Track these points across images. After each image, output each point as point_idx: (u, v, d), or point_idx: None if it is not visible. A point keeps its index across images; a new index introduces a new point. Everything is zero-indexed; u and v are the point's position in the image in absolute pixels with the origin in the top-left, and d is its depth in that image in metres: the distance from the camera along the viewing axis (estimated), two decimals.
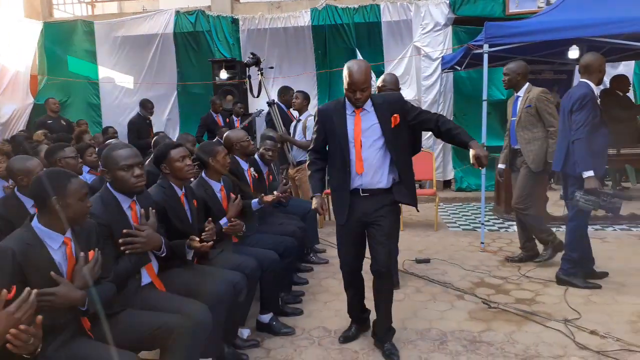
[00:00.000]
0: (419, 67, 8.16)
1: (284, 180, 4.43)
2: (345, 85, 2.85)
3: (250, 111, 8.01)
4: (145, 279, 2.62)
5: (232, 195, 3.38)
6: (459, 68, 7.14)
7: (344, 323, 3.36)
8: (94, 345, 2.04)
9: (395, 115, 2.89)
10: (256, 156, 4.49)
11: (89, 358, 1.99)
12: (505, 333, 3.26)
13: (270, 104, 6.01)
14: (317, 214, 3.47)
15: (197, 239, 2.79)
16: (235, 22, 8.61)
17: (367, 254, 3.04)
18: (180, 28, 8.71)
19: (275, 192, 3.97)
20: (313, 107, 8.03)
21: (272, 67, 7.74)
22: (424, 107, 8.00)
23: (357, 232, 3.01)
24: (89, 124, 8.42)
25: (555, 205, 6.36)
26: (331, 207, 3.42)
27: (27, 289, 1.70)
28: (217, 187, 3.43)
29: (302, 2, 8.68)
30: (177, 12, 8.71)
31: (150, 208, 2.64)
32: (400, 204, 3.19)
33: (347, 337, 3.22)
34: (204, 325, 2.45)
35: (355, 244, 3.04)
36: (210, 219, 3.01)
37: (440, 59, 7.82)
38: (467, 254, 4.96)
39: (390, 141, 2.90)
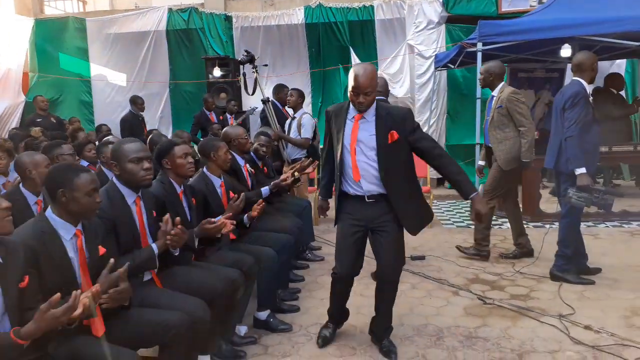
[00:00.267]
0: (413, 65, 8.19)
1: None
2: (349, 88, 2.76)
3: (243, 109, 8.00)
4: (146, 275, 2.62)
5: (233, 195, 3.36)
6: (453, 66, 7.18)
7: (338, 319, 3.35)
8: (95, 342, 2.04)
9: (392, 131, 2.75)
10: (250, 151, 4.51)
11: (90, 355, 1.99)
12: (501, 328, 3.29)
13: (265, 101, 6.01)
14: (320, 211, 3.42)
15: (213, 220, 2.85)
16: (228, 19, 8.60)
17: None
18: (173, 25, 8.69)
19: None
20: (307, 104, 8.06)
21: (266, 65, 7.74)
22: (417, 105, 8.10)
23: (359, 237, 2.92)
24: (81, 121, 8.37)
25: (548, 202, 6.41)
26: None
27: (74, 292, 1.75)
28: (217, 182, 3.45)
29: (295, 0, 8.68)
30: (170, 10, 8.69)
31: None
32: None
33: (325, 339, 3.14)
34: (203, 321, 2.46)
35: (356, 250, 2.94)
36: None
37: (433, 57, 7.85)
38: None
39: (383, 156, 2.77)
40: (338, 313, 3.22)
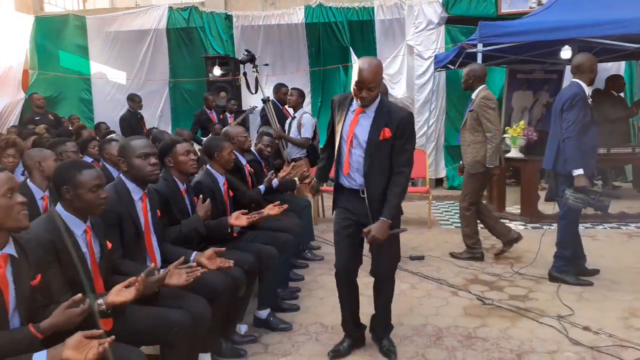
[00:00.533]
0: (412, 65, 8.20)
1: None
2: (353, 82, 2.71)
3: (243, 108, 8.01)
4: None
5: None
6: (452, 67, 7.20)
7: (340, 319, 3.37)
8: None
9: (387, 128, 2.69)
10: (254, 151, 4.53)
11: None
12: (500, 329, 3.30)
13: (265, 101, 6.02)
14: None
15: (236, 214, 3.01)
16: (228, 18, 8.60)
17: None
18: (173, 24, 8.69)
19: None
20: (307, 104, 8.07)
21: (267, 64, 7.74)
22: (416, 106, 8.11)
23: (353, 231, 2.87)
24: (81, 119, 8.38)
25: (546, 204, 6.44)
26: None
27: (88, 300, 1.80)
28: (221, 180, 3.49)
29: (296, 0, 8.69)
30: (170, 8, 8.69)
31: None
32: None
33: (337, 352, 3.01)
34: (204, 319, 2.47)
35: (350, 244, 2.89)
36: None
37: (433, 57, 7.87)
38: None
39: (369, 152, 2.73)
40: (348, 323, 3.07)
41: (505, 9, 8.00)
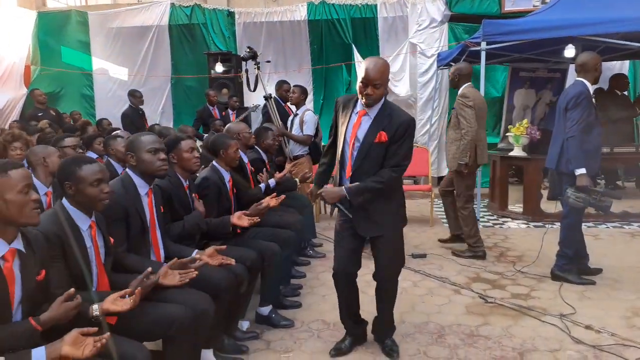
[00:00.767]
0: (415, 63, 8.18)
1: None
2: (358, 79, 2.68)
3: (245, 105, 7.99)
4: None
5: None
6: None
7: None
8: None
9: (384, 132, 2.65)
10: (258, 148, 4.51)
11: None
12: (502, 327, 3.30)
13: (267, 98, 6.01)
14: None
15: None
16: (231, 15, 8.59)
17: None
18: (175, 20, 8.67)
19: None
20: (309, 101, 8.06)
21: (269, 61, 7.73)
22: (419, 104, 8.10)
23: (353, 233, 2.83)
24: (84, 115, 8.38)
25: (548, 202, 6.42)
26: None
27: (78, 297, 1.83)
28: (226, 176, 3.49)
29: None
30: (173, 4, 8.67)
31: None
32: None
33: (338, 350, 2.98)
34: (207, 315, 2.46)
35: (350, 246, 2.85)
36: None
37: (436, 55, 7.85)
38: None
39: (362, 153, 2.69)
40: (350, 319, 3.04)
41: (508, 7, 7.99)
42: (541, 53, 6.70)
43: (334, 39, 8.44)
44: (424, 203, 6.54)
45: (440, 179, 8.42)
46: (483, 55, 5.23)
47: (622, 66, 8.09)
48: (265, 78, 8.07)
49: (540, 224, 5.92)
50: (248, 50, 6.27)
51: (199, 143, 6.14)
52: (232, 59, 7.98)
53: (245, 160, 4.07)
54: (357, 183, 2.67)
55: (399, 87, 8.14)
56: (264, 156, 4.50)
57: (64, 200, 2.18)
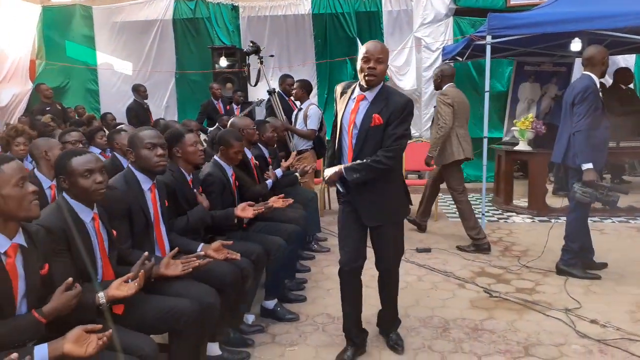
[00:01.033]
0: (420, 58, 8.15)
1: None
2: (359, 59, 2.61)
3: (250, 99, 7.99)
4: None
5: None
6: (460, 59, 7.14)
7: None
8: (114, 328, 2.06)
9: (379, 114, 2.60)
10: (259, 145, 4.49)
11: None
12: (507, 321, 3.30)
13: (270, 92, 6.00)
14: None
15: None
16: (235, 9, 8.57)
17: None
18: (179, 14, 8.67)
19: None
20: (313, 96, 8.03)
21: (272, 55, 7.71)
22: (423, 98, 8.07)
23: (358, 225, 2.79)
24: (88, 109, 8.39)
25: (554, 197, 6.42)
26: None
27: (77, 285, 1.83)
28: (229, 171, 3.49)
29: None
30: None
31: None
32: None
33: None
34: (213, 309, 2.48)
35: (356, 237, 2.80)
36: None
37: (440, 49, 7.82)
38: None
39: (360, 139, 2.64)
40: (351, 329, 2.93)
41: (514, 1, 7.94)
42: (547, 47, 6.66)
43: (338, 32, 8.41)
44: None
45: None
46: (488, 49, 5.19)
47: (628, 60, 8.03)
48: (270, 72, 8.07)
49: (545, 218, 5.91)
50: (251, 44, 6.26)
51: (203, 137, 6.17)
52: (236, 53, 7.97)
53: (250, 155, 4.07)
54: (356, 165, 2.62)
55: (404, 81, 8.12)
56: (266, 152, 4.48)
57: (65, 194, 2.18)
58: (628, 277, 4.01)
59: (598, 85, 3.90)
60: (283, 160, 4.57)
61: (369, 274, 3.13)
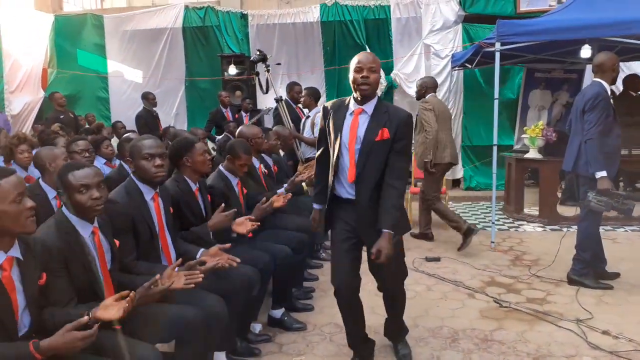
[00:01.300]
0: (429, 65, 8.13)
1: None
2: (351, 71, 2.55)
3: (258, 107, 8.01)
4: None
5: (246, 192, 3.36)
6: (470, 66, 7.12)
7: None
8: (117, 337, 2.05)
9: (386, 129, 2.53)
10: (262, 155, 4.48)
11: (112, 349, 1.99)
12: (517, 332, 3.25)
13: (278, 100, 6.01)
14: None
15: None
16: (244, 17, 8.61)
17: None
18: (189, 23, 8.72)
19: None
20: (321, 103, 8.04)
21: (279, 64, 7.73)
22: None
23: (353, 245, 2.68)
24: (98, 117, 8.45)
25: (565, 205, 6.34)
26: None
27: (95, 327, 1.74)
28: (234, 181, 3.46)
29: None
30: (187, 7, 8.72)
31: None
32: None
33: None
34: (220, 318, 2.48)
35: (351, 259, 2.67)
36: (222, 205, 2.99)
37: (449, 56, 7.80)
38: (477, 253, 4.95)
39: (365, 153, 2.55)
40: (357, 339, 2.87)
41: (524, 7, 7.91)
42: (557, 53, 6.61)
43: (346, 40, 8.42)
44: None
45: (454, 182, 8.38)
46: (497, 56, 5.16)
47: (638, 67, 7.93)
48: (278, 80, 8.10)
49: (556, 227, 5.83)
50: (258, 53, 6.29)
51: (211, 145, 6.19)
52: (245, 61, 8.00)
53: (257, 165, 4.05)
54: (387, 213, 2.49)
55: (413, 88, 8.06)
56: (270, 160, 4.46)
57: (64, 208, 2.15)
58: None
59: (609, 92, 3.86)
60: (287, 178, 4.53)
61: (375, 281, 3.08)
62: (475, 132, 8.21)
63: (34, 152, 3.75)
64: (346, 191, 2.64)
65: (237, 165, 3.40)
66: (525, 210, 6.43)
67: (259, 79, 6.69)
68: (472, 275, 4.33)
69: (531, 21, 5.57)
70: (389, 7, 8.21)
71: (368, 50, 7.90)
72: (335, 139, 2.63)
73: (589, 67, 6.89)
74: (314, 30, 8.46)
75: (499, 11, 7.81)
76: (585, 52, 5.55)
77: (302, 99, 5.87)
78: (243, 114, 7.58)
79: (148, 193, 2.60)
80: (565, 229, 5.33)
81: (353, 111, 2.61)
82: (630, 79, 6.92)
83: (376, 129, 2.54)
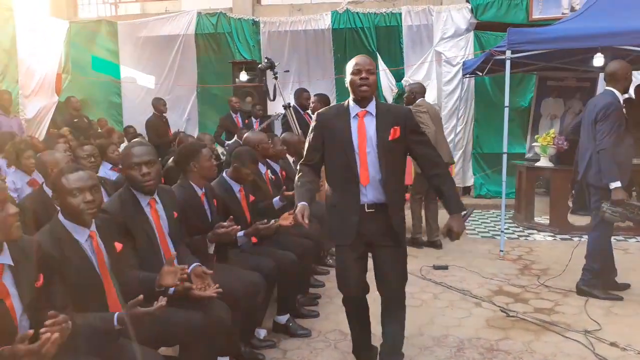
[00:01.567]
0: (440, 72, 8.12)
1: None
2: (349, 73, 2.56)
3: (269, 113, 8.04)
4: None
5: (253, 199, 3.35)
6: (481, 74, 7.09)
7: None
8: (119, 341, 2.06)
9: (395, 127, 2.54)
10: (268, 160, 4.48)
11: (114, 354, 2.00)
12: (524, 342, 3.22)
13: (286, 107, 6.04)
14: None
15: (225, 224, 2.83)
16: (256, 24, 8.66)
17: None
18: (201, 29, 8.79)
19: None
20: None
21: (287, 71, 7.76)
22: (444, 113, 8.01)
23: (362, 253, 2.66)
24: (111, 122, 8.54)
25: (575, 215, 6.26)
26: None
27: (46, 332, 1.64)
28: (236, 187, 3.45)
29: (323, 5, 8.70)
30: (199, 14, 8.79)
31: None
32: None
33: None
34: (224, 323, 2.48)
35: (361, 266, 2.66)
36: (231, 217, 2.95)
37: (461, 64, 7.77)
38: (485, 262, 4.91)
39: (382, 154, 2.54)
40: (362, 347, 2.86)
41: (536, 15, 7.87)
42: (569, 62, 6.56)
43: (358, 47, 8.40)
44: (447, 213, 6.43)
45: (464, 189, 8.33)
46: (508, 64, 5.14)
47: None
48: (289, 87, 8.13)
49: (567, 236, 5.77)
50: (266, 60, 6.35)
51: (220, 150, 6.22)
52: (256, 68, 8.03)
53: (263, 170, 4.06)
54: (452, 198, 2.65)
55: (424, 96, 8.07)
56: (277, 167, 4.45)
57: (60, 214, 2.12)
58: None
59: (621, 101, 3.82)
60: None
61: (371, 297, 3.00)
62: (486, 140, 8.17)
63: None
64: (356, 195, 2.57)
65: (243, 174, 3.39)
66: (536, 219, 6.37)
67: (266, 86, 6.75)
68: (479, 284, 4.29)
69: (542, 29, 5.54)
70: (400, 14, 8.21)
71: (380, 62, 8.01)
72: (343, 144, 2.57)
73: (602, 76, 6.82)
74: (325, 38, 8.48)
75: (511, 19, 7.78)
76: (598, 60, 5.51)
77: (312, 106, 5.88)
78: (253, 119, 7.62)
79: (144, 199, 2.55)
80: (576, 239, 5.26)
81: (357, 114, 2.59)
82: None
83: (387, 129, 2.55)
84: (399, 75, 8.21)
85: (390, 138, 2.54)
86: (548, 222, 6.16)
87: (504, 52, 5.22)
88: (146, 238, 2.52)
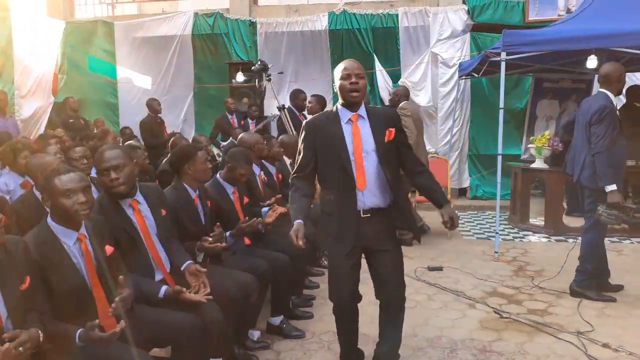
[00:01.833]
0: (436, 73, 8.14)
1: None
2: (338, 78, 2.54)
3: (265, 114, 8.04)
4: (158, 276, 2.62)
5: (247, 201, 3.34)
6: (476, 75, 7.11)
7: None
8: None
9: (390, 129, 2.57)
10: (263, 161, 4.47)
11: (106, 356, 2.00)
12: (516, 343, 3.23)
13: (280, 108, 6.04)
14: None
15: (210, 239, 2.81)
16: (253, 25, 8.66)
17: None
18: (198, 30, 8.78)
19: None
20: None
21: (281, 73, 7.77)
22: (440, 114, 8.05)
23: (356, 259, 2.62)
24: (107, 123, 8.52)
25: (570, 216, 6.28)
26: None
27: (19, 332, 1.68)
28: (230, 189, 3.46)
29: (320, 6, 8.71)
30: (196, 14, 8.79)
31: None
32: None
33: None
34: (216, 324, 2.48)
35: (354, 276, 2.63)
36: (218, 224, 2.93)
37: (457, 65, 7.79)
38: (480, 263, 4.93)
39: (383, 156, 2.55)
40: (350, 351, 2.86)
41: (532, 17, 7.90)
42: (564, 63, 6.58)
43: (354, 48, 8.42)
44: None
45: (460, 191, 8.34)
46: (503, 65, 5.15)
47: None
48: (286, 88, 8.14)
49: (562, 237, 5.79)
50: (259, 62, 6.37)
51: (216, 151, 6.22)
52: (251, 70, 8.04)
53: (257, 172, 4.07)
54: (438, 191, 2.71)
55: (420, 97, 8.10)
56: (272, 169, 4.46)
57: (48, 218, 2.10)
58: None
59: (615, 103, 3.83)
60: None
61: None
62: (481, 142, 8.19)
63: None
64: (353, 201, 2.55)
65: (237, 175, 3.40)
66: (531, 221, 6.39)
67: (264, 87, 6.78)
68: (473, 285, 4.31)
69: (537, 31, 5.56)
70: (397, 15, 8.22)
71: (377, 63, 8.02)
72: (337, 150, 2.54)
73: (597, 77, 6.84)
74: (322, 39, 8.48)
75: (507, 20, 7.81)
76: (591, 62, 5.53)
77: (309, 106, 5.89)
78: (249, 120, 7.62)
79: (124, 202, 2.52)
80: (571, 240, 5.28)
81: (350, 119, 2.57)
82: (632, 90, 6.84)
83: (382, 131, 2.56)
84: (395, 76, 8.23)
85: (387, 140, 2.56)
86: (543, 223, 6.17)
87: (499, 54, 5.23)
88: (130, 240, 2.50)
